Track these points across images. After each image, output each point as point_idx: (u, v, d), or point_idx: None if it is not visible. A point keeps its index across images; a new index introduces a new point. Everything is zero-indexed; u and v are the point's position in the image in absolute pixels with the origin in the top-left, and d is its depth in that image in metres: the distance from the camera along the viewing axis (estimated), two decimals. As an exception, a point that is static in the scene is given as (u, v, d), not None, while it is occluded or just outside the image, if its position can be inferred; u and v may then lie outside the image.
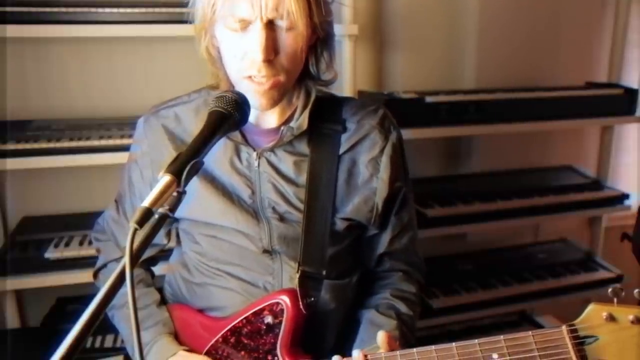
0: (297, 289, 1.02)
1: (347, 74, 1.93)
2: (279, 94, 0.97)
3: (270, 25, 0.91)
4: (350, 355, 0.94)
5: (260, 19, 0.90)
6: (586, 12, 2.53)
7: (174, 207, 0.76)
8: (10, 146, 1.65)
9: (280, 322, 1.01)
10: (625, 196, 2.38)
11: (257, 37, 0.90)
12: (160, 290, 1.23)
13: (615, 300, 0.78)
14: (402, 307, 1.13)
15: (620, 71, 2.56)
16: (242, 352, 1.04)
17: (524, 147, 2.50)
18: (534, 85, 2.38)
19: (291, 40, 0.93)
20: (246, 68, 0.94)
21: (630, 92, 2.33)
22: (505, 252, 2.48)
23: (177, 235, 1.18)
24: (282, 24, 0.92)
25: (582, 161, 2.61)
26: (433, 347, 0.88)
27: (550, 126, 2.30)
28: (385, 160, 1.09)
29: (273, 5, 0.89)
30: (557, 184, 2.38)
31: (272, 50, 0.92)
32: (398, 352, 0.90)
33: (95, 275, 1.24)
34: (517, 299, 2.22)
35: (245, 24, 0.91)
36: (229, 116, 0.89)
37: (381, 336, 0.94)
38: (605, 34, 2.58)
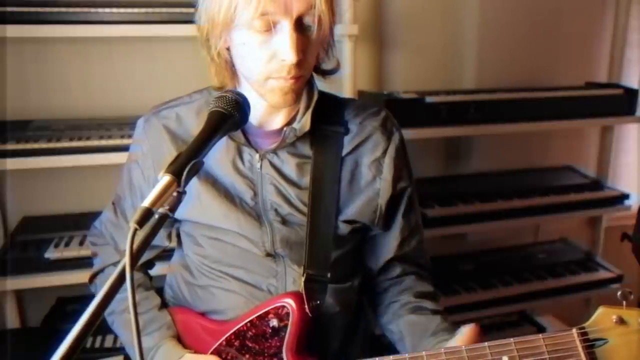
0: (303, 292, 1.01)
1: (347, 74, 1.93)
2: (300, 90, 0.99)
3: (297, 25, 0.90)
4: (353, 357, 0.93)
5: (290, 19, 0.88)
6: (586, 12, 2.53)
7: (174, 208, 0.75)
8: (10, 146, 1.64)
9: (286, 326, 1.00)
10: (625, 196, 2.38)
11: (286, 38, 0.89)
12: (159, 291, 1.22)
13: (624, 303, 0.79)
14: (430, 305, 1.10)
15: (620, 71, 2.57)
16: (247, 356, 1.03)
17: (524, 147, 2.50)
18: (534, 85, 2.38)
19: (317, 37, 0.93)
20: (274, 70, 0.92)
21: (630, 92, 2.33)
22: (505, 252, 2.48)
23: (178, 236, 1.17)
24: (308, 22, 0.91)
25: (582, 161, 2.62)
26: (442, 349, 0.87)
27: (550, 126, 2.30)
28: (388, 161, 1.08)
29: (302, 3, 0.88)
30: (557, 184, 2.38)
31: (301, 51, 0.90)
32: (407, 355, 0.89)
33: (92, 279, 1.22)
34: (517, 299, 2.22)
35: (272, 25, 0.89)
36: (230, 116, 0.88)
37: (470, 328, 0.90)
38: (605, 34, 2.58)
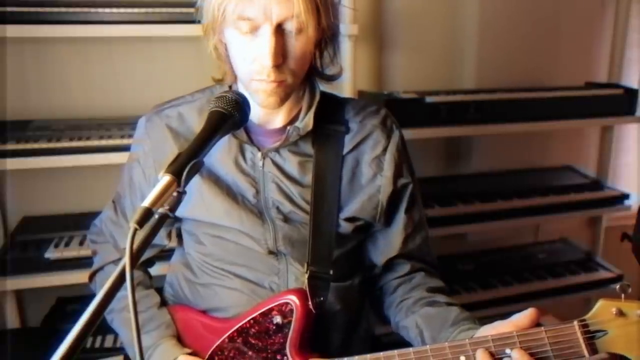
0: (307, 288, 1.02)
1: (347, 74, 1.92)
2: (286, 94, 0.99)
3: (279, 30, 0.91)
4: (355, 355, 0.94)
5: (270, 24, 0.90)
6: (586, 12, 2.53)
7: (173, 207, 0.76)
8: (10, 146, 1.64)
9: (290, 322, 1.00)
10: (625, 196, 2.38)
11: (266, 42, 0.91)
12: (160, 291, 1.22)
13: (622, 296, 0.81)
14: (444, 299, 1.10)
15: (620, 71, 2.57)
16: (250, 352, 1.03)
17: (524, 147, 2.51)
18: (534, 85, 2.38)
19: (300, 44, 0.94)
20: (255, 72, 0.94)
21: (630, 92, 2.33)
22: (505, 252, 2.48)
23: (178, 235, 1.18)
24: (291, 28, 0.92)
25: (582, 161, 2.62)
26: (446, 343, 0.88)
27: (550, 126, 2.30)
28: (388, 158, 1.09)
29: (282, 10, 0.89)
30: (557, 184, 2.39)
31: (280, 55, 0.92)
32: (411, 349, 0.90)
33: (91, 278, 1.22)
34: (517, 299, 2.22)
35: (254, 28, 0.92)
36: (230, 116, 0.89)
37: (530, 311, 0.86)
38: (605, 34, 2.58)
